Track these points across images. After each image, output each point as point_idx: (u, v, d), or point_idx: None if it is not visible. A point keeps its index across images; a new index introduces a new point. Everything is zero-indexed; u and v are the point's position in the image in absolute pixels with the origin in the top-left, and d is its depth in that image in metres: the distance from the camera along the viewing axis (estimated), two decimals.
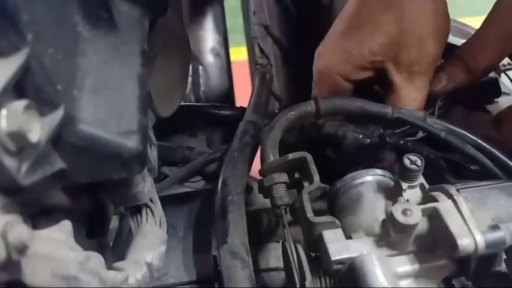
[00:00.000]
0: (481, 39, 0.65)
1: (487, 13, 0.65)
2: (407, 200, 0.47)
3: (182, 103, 0.67)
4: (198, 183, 0.69)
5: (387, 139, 0.61)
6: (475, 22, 0.71)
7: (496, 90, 0.77)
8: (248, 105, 0.71)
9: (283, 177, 0.52)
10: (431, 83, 0.67)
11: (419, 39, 0.64)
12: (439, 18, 0.66)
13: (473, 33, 0.72)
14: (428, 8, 0.65)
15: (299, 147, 0.54)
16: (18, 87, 0.29)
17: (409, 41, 0.65)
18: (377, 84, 0.72)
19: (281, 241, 0.59)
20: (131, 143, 0.36)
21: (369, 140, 0.62)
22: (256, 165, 0.57)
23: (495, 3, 0.65)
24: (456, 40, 0.86)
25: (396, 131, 0.63)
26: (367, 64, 0.67)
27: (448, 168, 0.59)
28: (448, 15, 0.68)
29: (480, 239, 0.41)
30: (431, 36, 0.65)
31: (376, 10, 0.66)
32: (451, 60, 0.68)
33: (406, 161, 0.47)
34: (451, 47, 0.75)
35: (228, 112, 0.78)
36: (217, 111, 0.79)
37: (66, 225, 0.35)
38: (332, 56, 0.70)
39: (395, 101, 0.67)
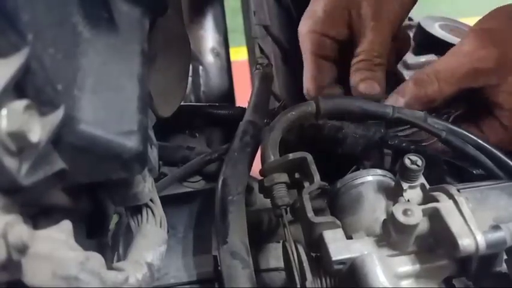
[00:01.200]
0: (450, 69, 0.64)
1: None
2: (408, 200, 0.47)
3: (182, 103, 0.67)
4: (198, 183, 0.69)
5: (389, 142, 0.61)
6: (475, 22, 0.71)
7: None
8: (248, 105, 0.71)
9: (284, 177, 0.52)
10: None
11: None
12: None
13: None
14: None
15: (299, 147, 0.54)
16: (19, 87, 0.29)
17: None
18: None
19: (281, 241, 0.58)
20: (131, 143, 0.36)
21: (370, 141, 0.61)
22: (257, 165, 0.57)
23: (465, 36, 0.65)
24: (456, 40, 0.86)
25: (398, 133, 0.63)
26: (339, 20, 0.72)
27: (450, 171, 0.59)
28: None
29: (481, 239, 0.41)
30: None
31: None
32: (410, 88, 0.66)
33: (407, 161, 0.47)
34: (451, 47, 0.75)
35: (228, 112, 0.78)
36: (216, 111, 0.79)
37: (66, 225, 0.35)
38: (309, 20, 0.76)
39: (362, 49, 0.69)
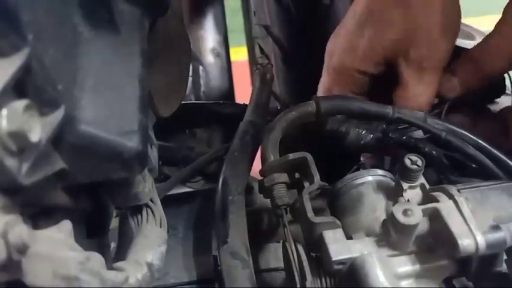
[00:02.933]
0: (498, 43, 0.63)
1: (490, 13, 0.65)
2: (408, 200, 0.47)
3: (183, 102, 0.67)
4: (198, 183, 0.69)
5: (390, 134, 0.61)
6: (476, 22, 0.71)
7: (501, 89, 0.77)
8: (248, 105, 0.71)
9: (284, 177, 0.52)
10: (443, 87, 0.67)
11: (428, 35, 0.64)
12: (449, 15, 0.65)
13: (473, 33, 0.72)
14: (438, 4, 0.65)
15: (301, 143, 0.54)
16: (19, 87, 0.29)
17: (419, 37, 0.65)
18: (387, 81, 0.72)
19: (281, 241, 0.59)
20: (131, 143, 0.36)
21: (372, 136, 0.61)
22: (257, 165, 0.57)
23: (508, 4, 0.63)
24: (457, 40, 0.86)
25: (400, 127, 0.63)
26: (381, 59, 0.68)
27: (451, 165, 0.59)
28: (459, 12, 0.67)
29: (481, 239, 0.41)
30: (441, 32, 0.65)
31: (386, 6, 0.67)
32: (463, 64, 0.66)
33: (407, 161, 0.47)
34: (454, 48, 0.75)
35: (230, 110, 0.78)
36: (219, 108, 0.79)
37: (66, 225, 0.35)
38: (346, 53, 0.70)
39: (404, 96, 0.67)
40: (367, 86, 0.71)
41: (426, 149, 0.58)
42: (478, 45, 0.66)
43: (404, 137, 0.60)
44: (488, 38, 0.66)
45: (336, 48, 0.72)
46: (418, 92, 0.66)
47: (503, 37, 0.64)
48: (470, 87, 0.66)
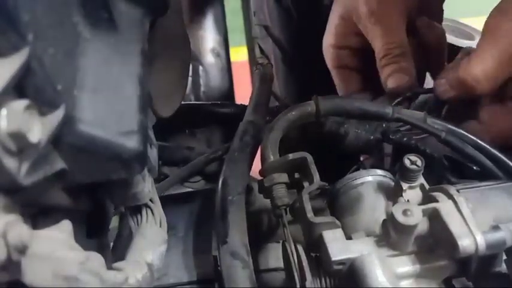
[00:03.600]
0: (483, 64, 0.61)
1: (487, 15, 0.64)
2: (408, 201, 0.47)
3: (182, 102, 0.67)
4: (198, 184, 0.69)
5: (390, 136, 0.61)
6: (475, 22, 0.71)
7: None
8: (248, 105, 0.71)
9: (284, 177, 0.52)
10: (436, 90, 0.66)
11: None
12: None
13: (473, 33, 0.72)
14: None
15: (300, 144, 0.54)
16: (19, 87, 0.29)
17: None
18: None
19: (281, 241, 0.59)
20: (131, 143, 0.36)
21: (371, 137, 0.61)
22: (257, 165, 0.57)
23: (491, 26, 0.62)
24: (456, 40, 0.86)
25: (400, 128, 0.63)
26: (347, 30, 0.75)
27: (451, 167, 0.59)
28: None
29: (481, 240, 0.41)
30: None
31: None
32: (452, 76, 0.64)
33: (407, 162, 0.47)
34: (451, 47, 0.75)
35: (229, 110, 0.78)
36: (218, 109, 0.79)
37: (66, 225, 0.35)
38: (325, 35, 0.79)
39: (370, 40, 0.72)
40: (357, 59, 0.77)
41: (427, 151, 0.58)
42: (467, 61, 0.64)
43: (404, 139, 0.60)
44: (477, 54, 0.63)
45: (324, 36, 0.80)
46: (379, 33, 0.70)
47: (488, 58, 0.61)
48: (459, 96, 0.65)
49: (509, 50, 0.60)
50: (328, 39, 0.78)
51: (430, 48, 0.76)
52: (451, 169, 0.59)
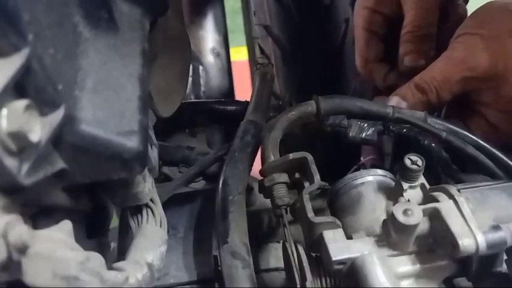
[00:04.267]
0: (445, 76, 0.65)
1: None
2: (408, 200, 0.47)
3: (182, 102, 0.67)
4: (198, 183, 0.69)
5: (391, 127, 0.61)
6: None
7: None
8: (249, 104, 0.71)
9: (284, 177, 0.52)
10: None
11: None
12: None
13: None
14: None
15: (303, 139, 0.54)
16: (19, 87, 0.29)
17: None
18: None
19: (281, 241, 0.58)
20: (131, 143, 0.36)
21: (373, 129, 0.62)
22: (257, 165, 0.57)
23: (453, 40, 0.67)
24: None
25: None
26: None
27: (451, 159, 0.59)
28: None
29: (481, 239, 0.41)
30: None
31: None
32: (411, 90, 0.68)
33: (407, 161, 0.47)
34: None
35: (233, 108, 0.78)
36: (221, 107, 0.79)
37: (66, 225, 0.35)
38: None
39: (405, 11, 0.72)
40: (386, 27, 0.78)
41: (426, 142, 0.59)
42: (424, 72, 0.68)
43: (404, 130, 0.60)
44: (434, 67, 0.67)
45: None
46: (413, 9, 0.71)
47: (449, 71, 0.65)
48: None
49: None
50: (363, 1, 0.79)
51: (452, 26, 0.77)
52: (451, 161, 0.59)
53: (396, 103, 0.67)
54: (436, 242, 0.44)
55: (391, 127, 0.61)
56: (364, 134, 0.62)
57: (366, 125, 0.62)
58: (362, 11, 0.79)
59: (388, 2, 0.77)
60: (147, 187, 0.44)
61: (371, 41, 0.79)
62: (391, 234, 0.43)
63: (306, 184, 0.50)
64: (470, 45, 0.65)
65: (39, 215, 0.36)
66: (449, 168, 0.59)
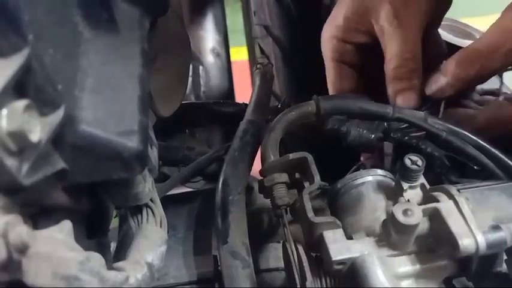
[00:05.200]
0: (488, 50, 0.62)
1: (490, 13, 0.64)
2: (408, 200, 0.47)
3: (182, 102, 0.67)
4: (198, 184, 0.69)
5: (391, 134, 0.61)
6: (475, 22, 0.71)
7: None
8: (249, 104, 0.71)
9: (284, 177, 0.52)
10: (430, 88, 0.66)
11: None
12: None
13: (473, 33, 0.72)
14: None
15: (301, 142, 0.54)
16: (19, 87, 0.29)
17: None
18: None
19: (281, 241, 0.59)
20: (131, 143, 0.36)
21: (373, 136, 0.61)
22: (257, 165, 0.57)
23: (504, 10, 0.63)
24: (456, 40, 0.86)
25: (401, 127, 0.62)
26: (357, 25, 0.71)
27: (452, 166, 0.59)
28: None
29: (481, 239, 0.41)
30: None
31: None
32: (453, 68, 0.65)
33: (407, 161, 0.47)
34: (451, 47, 0.75)
35: (231, 109, 0.78)
36: (220, 108, 0.79)
37: (66, 225, 0.35)
38: (327, 23, 0.75)
39: (384, 42, 0.67)
40: (358, 56, 0.73)
41: (428, 150, 0.58)
42: (468, 46, 0.65)
43: (406, 137, 0.60)
44: (480, 39, 0.65)
45: (325, 26, 0.76)
46: (398, 43, 0.66)
47: (494, 39, 0.62)
48: (458, 89, 0.65)
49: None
50: (333, 31, 0.74)
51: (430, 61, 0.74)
52: (452, 168, 0.59)
53: (435, 80, 0.64)
54: (436, 242, 0.44)
55: (391, 134, 0.60)
56: (363, 141, 0.61)
57: (365, 131, 0.61)
58: (330, 40, 0.74)
59: (359, 32, 0.72)
60: (147, 187, 0.44)
61: (343, 72, 0.74)
62: (391, 234, 0.43)
63: (306, 184, 0.50)
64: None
65: (39, 215, 0.36)
66: (451, 176, 0.59)
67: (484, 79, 0.65)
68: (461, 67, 0.64)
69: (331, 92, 0.76)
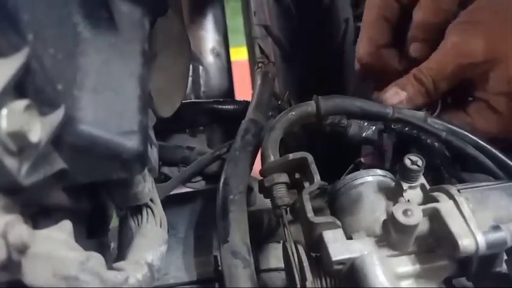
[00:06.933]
0: (440, 66, 0.65)
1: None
2: (408, 201, 0.47)
3: (182, 102, 0.67)
4: (198, 184, 0.69)
5: (392, 126, 0.61)
6: None
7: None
8: (250, 103, 0.71)
9: (284, 177, 0.52)
10: (391, 100, 0.67)
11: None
12: None
13: None
14: None
15: (302, 141, 0.54)
16: (19, 87, 0.29)
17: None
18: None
19: (282, 241, 0.58)
20: (131, 143, 0.36)
21: (373, 128, 0.61)
22: (257, 165, 0.57)
23: (448, 29, 0.66)
24: None
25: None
26: None
27: (452, 158, 0.59)
28: None
29: (481, 239, 0.41)
30: None
31: None
32: (409, 81, 0.68)
33: (407, 162, 0.47)
34: None
35: (232, 107, 0.78)
36: (221, 106, 0.79)
37: (66, 225, 0.35)
38: None
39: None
40: (398, 14, 0.74)
41: (428, 141, 0.58)
42: (423, 64, 0.67)
43: (406, 129, 0.60)
44: (431, 59, 0.67)
45: None
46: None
47: (445, 61, 0.65)
48: (416, 104, 0.67)
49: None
50: None
51: None
52: (452, 160, 0.59)
53: (394, 93, 0.67)
54: (436, 242, 0.44)
55: (392, 126, 0.61)
56: (364, 134, 0.62)
57: (366, 124, 0.62)
58: None
59: None
60: (147, 187, 0.44)
61: (385, 28, 0.76)
62: (391, 234, 0.43)
63: (306, 184, 0.50)
64: (466, 32, 0.64)
65: (39, 215, 0.36)
66: (452, 168, 0.59)
67: (439, 94, 0.67)
68: (419, 84, 0.67)
69: (365, 44, 0.77)
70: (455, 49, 0.65)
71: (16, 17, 0.29)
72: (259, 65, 0.80)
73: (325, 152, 0.66)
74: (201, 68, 1.20)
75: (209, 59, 1.22)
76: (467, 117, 0.67)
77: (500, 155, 0.57)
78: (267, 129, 0.58)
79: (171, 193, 0.66)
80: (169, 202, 0.58)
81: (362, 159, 0.73)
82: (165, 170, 0.71)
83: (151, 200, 0.46)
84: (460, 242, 0.41)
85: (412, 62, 0.72)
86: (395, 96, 0.67)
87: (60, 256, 0.33)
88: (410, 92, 0.67)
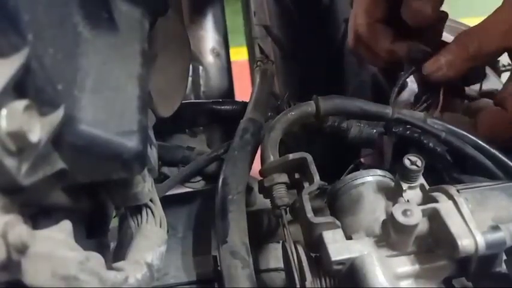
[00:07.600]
0: (486, 27, 0.65)
1: (487, 15, 0.65)
2: (408, 201, 0.47)
3: (182, 102, 0.67)
4: (198, 184, 0.69)
5: (393, 129, 0.60)
6: (475, 22, 0.71)
7: (479, 75, 0.76)
8: (249, 102, 0.71)
9: (284, 177, 0.52)
10: (430, 66, 0.67)
11: None
12: None
13: None
14: None
15: (302, 140, 0.54)
16: (19, 87, 0.29)
17: None
18: None
19: (281, 241, 0.58)
20: (131, 143, 0.36)
21: (374, 131, 0.61)
22: (257, 165, 0.57)
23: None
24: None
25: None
26: None
27: (454, 162, 0.59)
28: None
29: (480, 240, 0.41)
30: None
31: None
32: (452, 47, 0.67)
33: (407, 162, 0.47)
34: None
35: (232, 107, 0.78)
36: (220, 107, 0.79)
37: (66, 225, 0.35)
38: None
39: None
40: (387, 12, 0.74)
41: (430, 144, 0.58)
42: (468, 29, 0.67)
43: (408, 132, 0.60)
44: (478, 24, 0.66)
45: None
46: None
47: (492, 23, 0.64)
48: (457, 71, 0.66)
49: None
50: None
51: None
52: (454, 164, 0.59)
53: (434, 61, 0.66)
54: (435, 243, 0.44)
55: (393, 129, 0.61)
56: (364, 136, 0.61)
57: (366, 126, 0.62)
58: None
59: None
60: (146, 187, 0.44)
61: (380, 1, 0.75)
62: (390, 234, 0.43)
63: (306, 184, 0.50)
64: None
65: (39, 215, 0.36)
66: (452, 171, 0.59)
67: (482, 59, 0.67)
68: (460, 45, 0.66)
69: (360, 17, 0.76)
70: (506, 14, 0.63)
71: (16, 17, 0.29)
72: (258, 63, 0.80)
73: (325, 152, 0.66)
74: (201, 68, 1.20)
75: (209, 59, 1.22)
76: (466, 117, 0.67)
77: (499, 155, 0.57)
78: (267, 129, 0.58)
79: (171, 193, 0.66)
80: (169, 202, 0.58)
81: (362, 160, 0.73)
82: (165, 170, 0.71)
83: (151, 200, 0.46)
84: (459, 242, 0.41)
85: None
86: (434, 64, 0.67)
87: (60, 256, 0.33)
88: (451, 56, 0.66)
